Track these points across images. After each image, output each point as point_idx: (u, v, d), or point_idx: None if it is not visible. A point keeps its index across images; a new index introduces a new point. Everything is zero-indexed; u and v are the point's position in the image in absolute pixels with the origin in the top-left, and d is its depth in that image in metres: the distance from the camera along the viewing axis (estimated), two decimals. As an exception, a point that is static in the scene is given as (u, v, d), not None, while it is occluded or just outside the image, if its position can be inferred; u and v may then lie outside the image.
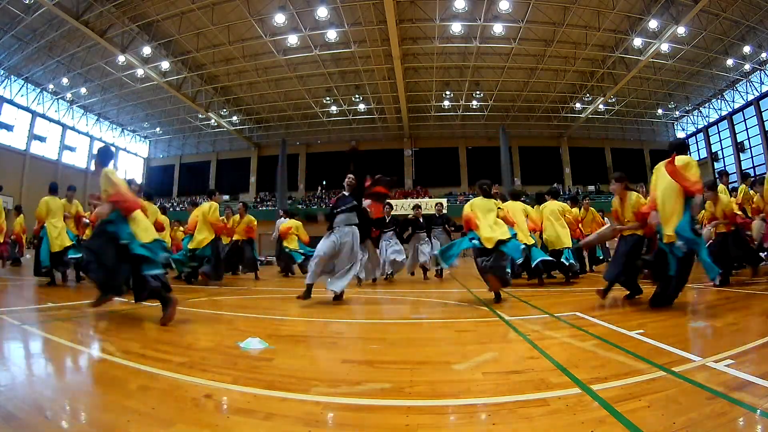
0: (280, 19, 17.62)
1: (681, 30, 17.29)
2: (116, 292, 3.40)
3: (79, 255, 5.92)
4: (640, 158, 29.77)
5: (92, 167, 3.91)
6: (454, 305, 4.55)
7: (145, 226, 3.45)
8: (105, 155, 3.61)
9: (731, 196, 6.74)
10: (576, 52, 20.28)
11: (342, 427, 1.51)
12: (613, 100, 25.25)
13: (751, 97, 22.96)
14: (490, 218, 4.51)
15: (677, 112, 27.96)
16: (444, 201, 26.36)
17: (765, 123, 22.53)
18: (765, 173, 22.14)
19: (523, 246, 5.01)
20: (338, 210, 4.75)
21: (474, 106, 26.44)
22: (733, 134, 24.91)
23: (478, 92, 24.77)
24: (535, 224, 6.30)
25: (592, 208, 8.10)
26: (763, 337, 2.51)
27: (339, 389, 1.84)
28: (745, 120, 24.10)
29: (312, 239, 8.33)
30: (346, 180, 4.87)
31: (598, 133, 29.77)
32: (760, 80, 22.00)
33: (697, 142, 28.59)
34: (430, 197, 26.73)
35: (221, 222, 7.11)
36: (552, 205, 6.39)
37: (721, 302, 4.33)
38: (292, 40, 19.02)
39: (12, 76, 21.29)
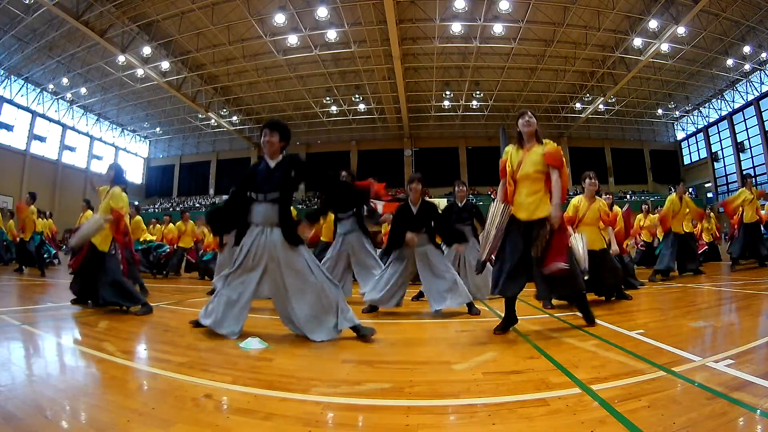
0: (280, 19, 17.61)
1: (681, 30, 17.28)
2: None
3: None
4: (640, 158, 29.77)
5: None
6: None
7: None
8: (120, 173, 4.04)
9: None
10: (576, 52, 20.26)
11: (342, 427, 1.51)
12: (613, 100, 25.23)
13: (751, 97, 22.96)
14: None
15: (677, 112, 27.94)
16: (444, 201, 26.52)
17: (765, 123, 22.53)
18: (765, 173, 22.28)
19: None
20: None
21: (474, 106, 26.42)
22: (733, 134, 24.91)
23: (478, 92, 24.75)
24: None
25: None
26: (763, 337, 2.51)
27: (339, 389, 1.84)
28: (745, 120, 24.10)
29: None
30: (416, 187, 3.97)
31: (598, 133, 29.77)
32: (760, 80, 21.99)
33: (697, 142, 28.59)
34: (430, 197, 26.70)
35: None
36: None
37: (721, 302, 4.33)
38: (292, 40, 18.99)
39: (12, 76, 21.28)
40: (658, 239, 7.67)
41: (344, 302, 2.84)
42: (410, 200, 3.98)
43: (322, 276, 2.82)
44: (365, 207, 4.66)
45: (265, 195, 2.78)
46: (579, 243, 3.88)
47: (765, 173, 22.66)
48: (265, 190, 2.78)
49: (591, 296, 4.57)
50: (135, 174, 33.05)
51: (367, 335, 2.79)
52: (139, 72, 21.09)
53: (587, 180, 4.43)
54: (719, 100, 25.23)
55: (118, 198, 3.90)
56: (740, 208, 7.06)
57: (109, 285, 3.67)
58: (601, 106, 25.65)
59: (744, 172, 24.21)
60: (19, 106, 22.72)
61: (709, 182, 27.28)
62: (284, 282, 2.77)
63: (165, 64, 20.62)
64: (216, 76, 22.97)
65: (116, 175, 4.02)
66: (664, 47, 18.63)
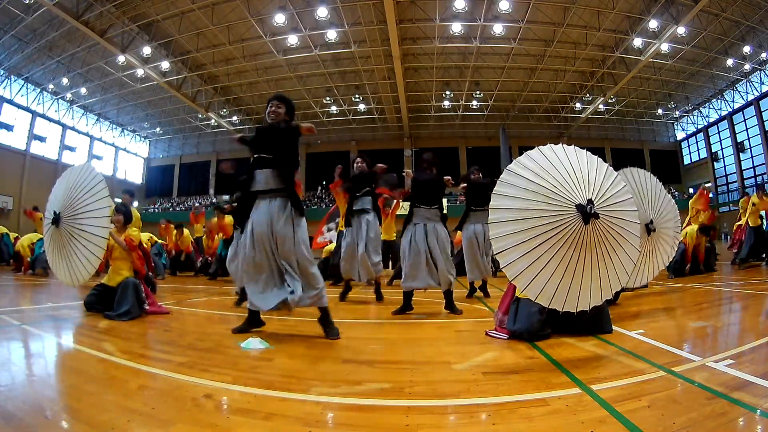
0: (280, 19, 17.61)
1: (681, 30, 17.27)
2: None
3: None
4: (640, 158, 29.73)
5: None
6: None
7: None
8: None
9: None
10: (576, 52, 20.26)
11: (342, 427, 1.51)
12: (613, 100, 25.23)
13: (751, 97, 22.95)
14: None
15: (677, 112, 27.94)
16: (444, 201, 26.50)
17: (765, 123, 22.52)
18: (765, 173, 22.27)
19: None
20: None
21: (474, 106, 26.43)
22: (733, 134, 24.91)
23: (478, 92, 24.74)
24: None
25: None
26: (763, 337, 2.51)
27: (339, 389, 1.84)
28: (745, 120, 24.09)
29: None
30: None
31: (598, 133, 29.77)
32: (760, 80, 21.98)
33: (697, 142, 28.59)
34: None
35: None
36: None
37: (721, 302, 4.33)
38: (292, 40, 19.00)
39: (12, 76, 21.27)
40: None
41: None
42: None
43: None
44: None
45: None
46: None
47: (765, 173, 22.66)
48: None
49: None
50: (135, 174, 33.04)
51: (333, 334, 2.81)
52: (139, 72, 21.09)
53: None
54: (719, 100, 25.23)
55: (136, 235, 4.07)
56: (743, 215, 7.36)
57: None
58: (601, 106, 25.65)
59: (745, 173, 24.24)
60: (19, 106, 22.70)
61: (709, 182, 27.27)
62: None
63: (165, 64, 20.62)
64: (216, 76, 22.97)
65: (125, 217, 4.11)
66: (664, 47, 18.63)
